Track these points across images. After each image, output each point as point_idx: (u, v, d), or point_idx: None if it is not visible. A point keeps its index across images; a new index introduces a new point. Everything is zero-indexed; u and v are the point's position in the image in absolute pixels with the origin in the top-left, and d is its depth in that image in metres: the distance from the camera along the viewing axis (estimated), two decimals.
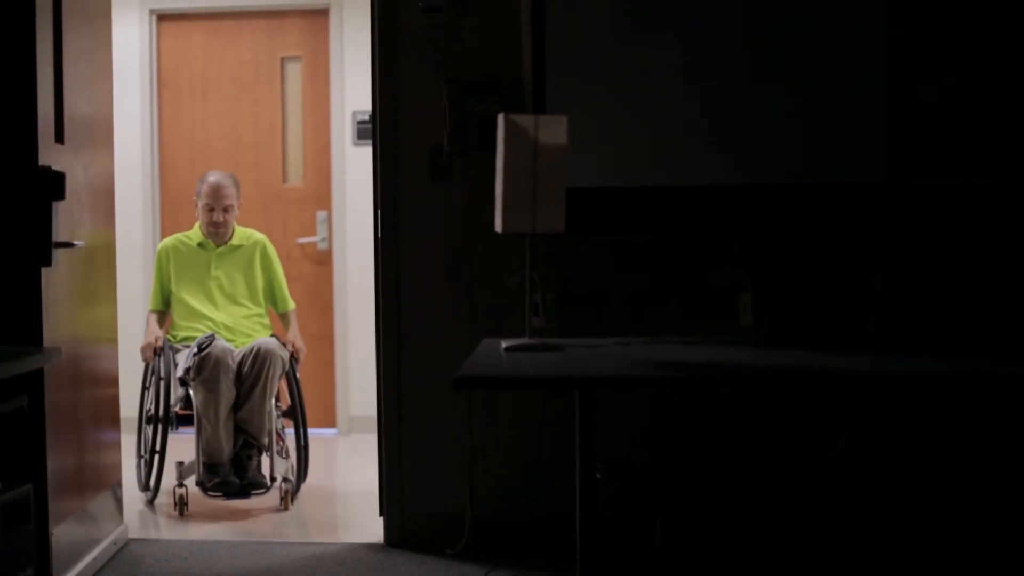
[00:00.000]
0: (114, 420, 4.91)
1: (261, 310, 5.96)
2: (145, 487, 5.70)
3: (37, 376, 3.93)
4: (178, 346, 5.77)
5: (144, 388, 5.81)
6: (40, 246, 4.03)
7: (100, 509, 4.63)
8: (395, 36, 4.84)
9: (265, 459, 5.65)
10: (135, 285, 7.21)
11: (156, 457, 5.61)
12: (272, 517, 5.39)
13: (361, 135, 7.27)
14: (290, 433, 5.84)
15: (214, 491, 5.47)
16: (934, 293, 4.60)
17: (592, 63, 4.58)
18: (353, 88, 7.31)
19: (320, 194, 7.48)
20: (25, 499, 3.47)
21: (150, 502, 5.63)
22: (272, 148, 7.47)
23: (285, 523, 5.35)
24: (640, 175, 4.56)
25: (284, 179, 7.50)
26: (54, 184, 4.08)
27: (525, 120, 3.78)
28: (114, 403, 4.92)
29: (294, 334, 5.96)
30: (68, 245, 4.22)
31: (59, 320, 4.21)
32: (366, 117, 7.10)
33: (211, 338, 5.58)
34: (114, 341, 4.96)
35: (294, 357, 5.84)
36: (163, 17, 7.48)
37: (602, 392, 3.24)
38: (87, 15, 4.57)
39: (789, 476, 4.50)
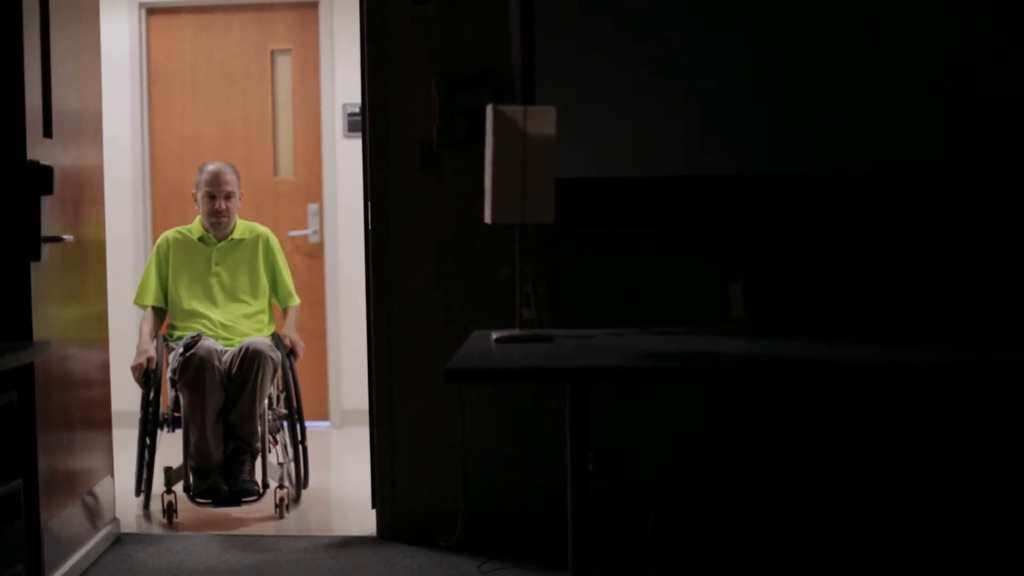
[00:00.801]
0: (105, 414, 4.91)
1: (264, 307, 5.76)
2: (137, 491, 5.50)
3: (27, 371, 3.92)
4: (173, 345, 5.54)
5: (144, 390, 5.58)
6: (29, 241, 4.02)
7: (92, 504, 4.62)
8: (385, 29, 4.84)
9: (259, 465, 5.40)
10: (125, 279, 7.20)
11: (145, 461, 5.43)
12: (265, 524, 5.20)
13: (352, 128, 7.27)
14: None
15: (202, 498, 5.23)
16: (927, 284, 4.60)
17: (581, 54, 4.58)
18: (343, 81, 7.30)
19: (311, 187, 7.47)
20: (16, 494, 3.47)
21: (144, 507, 5.43)
22: (263, 141, 7.46)
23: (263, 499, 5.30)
24: (630, 166, 4.56)
25: (275, 172, 7.50)
26: (42, 178, 4.07)
27: (514, 111, 3.78)
28: (105, 397, 4.91)
29: (291, 330, 5.77)
30: (57, 240, 4.21)
31: (49, 315, 4.20)
32: (357, 110, 7.09)
33: (197, 337, 5.38)
34: (105, 335, 4.96)
35: (292, 353, 5.66)
36: (152, 11, 7.47)
37: (593, 383, 3.23)
38: (75, 9, 4.56)
39: (782, 468, 4.51)
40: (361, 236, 5.26)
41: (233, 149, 7.33)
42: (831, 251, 4.49)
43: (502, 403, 4.81)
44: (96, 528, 4.67)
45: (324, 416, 7.41)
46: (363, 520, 5.13)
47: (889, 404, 4.69)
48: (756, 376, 4.43)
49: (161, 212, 7.46)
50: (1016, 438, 4.77)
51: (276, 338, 5.66)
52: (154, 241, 7.23)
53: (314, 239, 7.46)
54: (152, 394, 5.48)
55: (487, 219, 3.80)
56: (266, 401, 5.44)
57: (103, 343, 4.92)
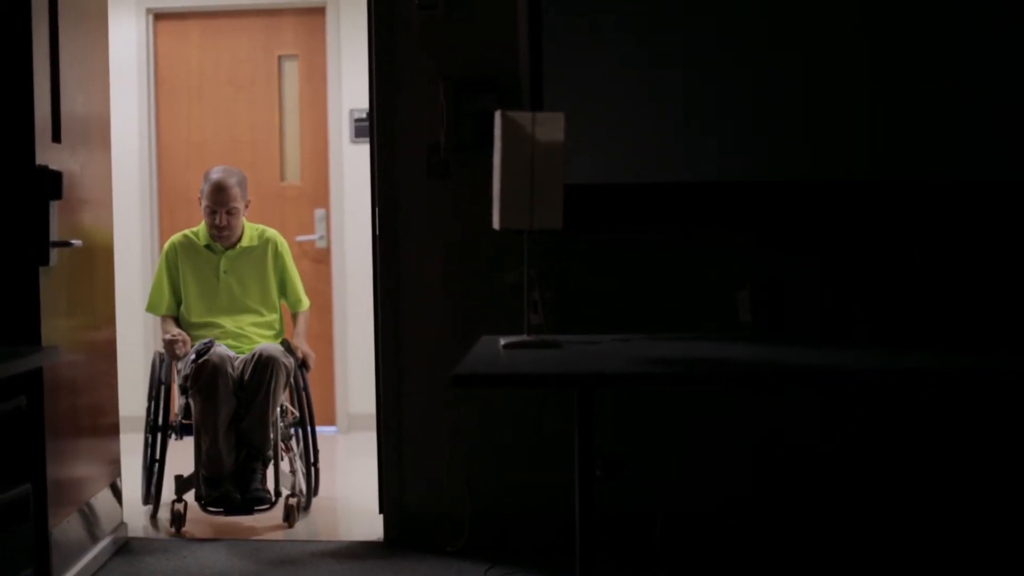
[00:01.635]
0: (112, 419, 4.91)
1: (275, 316, 5.65)
2: (146, 500, 5.44)
3: (36, 375, 3.93)
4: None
5: (150, 398, 5.53)
6: (37, 245, 4.03)
7: (99, 508, 4.63)
8: (392, 34, 4.84)
9: (271, 473, 5.31)
10: (133, 284, 7.21)
11: (155, 469, 5.37)
12: (274, 532, 5.15)
13: (359, 133, 7.27)
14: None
15: (214, 506, 5.15)
16: (929, 287, 4.59)
17: (589, 60, 4.58)
18: (350, 86, 7.31)
19: (318, 192, 7.48)
20: (24, 498, 3.47)
21: (152, 516, 5.36)
22: (270, 146, 7.47)
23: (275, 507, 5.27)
24: (637, 172, 4.56)
25: (282, 177, 7.50)
26: (51, 183, 4.08)
27: (522, 117, 3.78)
28: (112, 402, 4.92)
29: (301, 340, 5.66)
30: (66, 244, 4.22)
31: (57, 319, 4.21)
32: (363, 115, 7.10)
33: (210, 344, 5.29)
34: (113, 340, 4.96)
35: (304, 365, 5.58)
36: (160, 16, 7.48)
37: (601, 389, 3.23)
38: (83, 14, 4.57)
39: (788, 471, 4.51)
40: (368, 241, 5.27)
41: (240, 154, 7.34)
42: (837, 255, 4.49)
43: (509, 408, 4.81)
44: (103, 533, 4.67)
45: (331, 421, 7.41)
46: (370, 525, 5.13)
47: (895, 409, 4.69)
48: (762, 382, 4.44)
49: (168, 217, 7.47)
50: (1018, 440, 4.77)
51: (287, 345, 5.55)
52: (161, 245, 7.25)
53: (321, 244, 7.47)
54: (158, 401, 5.43)
55: (495, 225, 3.80)
56: (279, 409, 5.36)
57: (110, 348, 4.93)
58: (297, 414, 5.57)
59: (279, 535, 5.10)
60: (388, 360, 4.92)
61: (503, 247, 4.69)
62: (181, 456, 5.51)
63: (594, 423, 3.17)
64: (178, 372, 5.41)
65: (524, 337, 3.71)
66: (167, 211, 7.50)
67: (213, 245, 5.58)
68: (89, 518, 4.51)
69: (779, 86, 4.55)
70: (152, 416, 5.46)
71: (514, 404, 4.80)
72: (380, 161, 4.89)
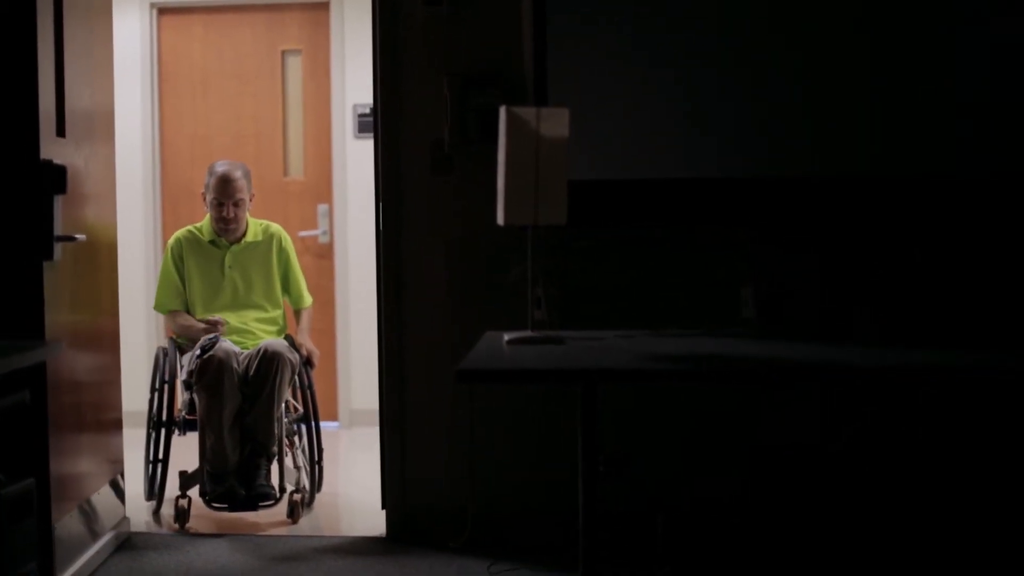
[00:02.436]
0: (115, 414, 4.91)
1: (279, 312, 5.64)
2: (149, 496, 5.43)
3: (39, 370, 3.93)
4: (186, 347, 5.48)
5: (152, 392, 5.50)
6: (41, 240, 4.03)
7: (102, 503, 4.63)
8: (396, 29, 4.84)
9: (275, 469, 5.32)
10: (136, 279, 7.21)
11: (159, 465, 5.36)
12: (277, 528, 5.14)
13: (362, 128, 7.27)
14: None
15: (218, 502, 5.14)
16: (930, 284, 4.59)
17: (594, 55, 4.58)
18: (354, 81, 7.31)
19: (321, 187, 7.48)
20: (28, 493, 3.47)
21: (155, 512, 5.34)
22: (273, 141, 7.47)
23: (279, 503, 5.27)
24: (642, 168, 4.56)
25: (285, 172, 7.50)
26: (55, 178, 4.08)
27: (527, 113, 3.78)
28: (115, 397, 4.92)
29: (305, 337, 5.65)
30: (70, 239, 4.22)
31: (61, 313, 4.21)
32: (367, 110, 7.09)
33: (215, 339, 5.27)
34: (116, 334, 4.96)
35: (308, 362, 5.56)
36: (163, 11, 7.48)
37: (605, 385, 3.23)
38: (88, 9, 4.57)
39: (791, 469, 4.51)
40: (371, 236, 5.26)
41: (243, 149, 7.33)
42: (839, 252, 4.48)
43: (512, 404, 4.81)
44: (106, 528, 4.68)
45: (333, 416, 7.42)
46: (373, 521, 5.13)
47: (899, 406, 4.69)
48: (766, 379, 4.43)
49: (171, 211, 7.47)
50: (1019, 438, 4.78)
51: (291, 341, 5.54)
52: (164, 240, 7.25)
53: (324, 239, 7.47)
54: (162, 397, 5.41)
55: (499, 220, 3.80)
56: (283, 404, 5.35)
57: (114, 342, 4.93)
58: (301, 410, 5.56)
59: (282, 531, 5.10)
60: (391, 356, 4.92)
61: (507, 243, 4.69)
62: (185, 452, 5.50)
63: (598, 419, 3.17)
64: (182, 367, 5.41)
65: (528, 333, 3.71)
66: (170, 206, 7.50)
67: (218, 240, 5.57)
68: (92, 513, 4.51)
69: (781, 83, 4.54)
70: (156, 411, 5.44)
71: (517, 400, 4.80)
72: (384, 156, 4.89)
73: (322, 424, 5.69)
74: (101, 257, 4.73)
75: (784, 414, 4.76)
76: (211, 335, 5.34)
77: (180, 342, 5.57)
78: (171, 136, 7.50)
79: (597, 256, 4.79)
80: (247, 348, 5.41)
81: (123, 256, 5.27)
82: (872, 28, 4.54)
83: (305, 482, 5.47)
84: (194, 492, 5.23)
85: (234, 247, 5.57)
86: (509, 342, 3.59)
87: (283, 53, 7.48)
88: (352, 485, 6.07)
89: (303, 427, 5.57)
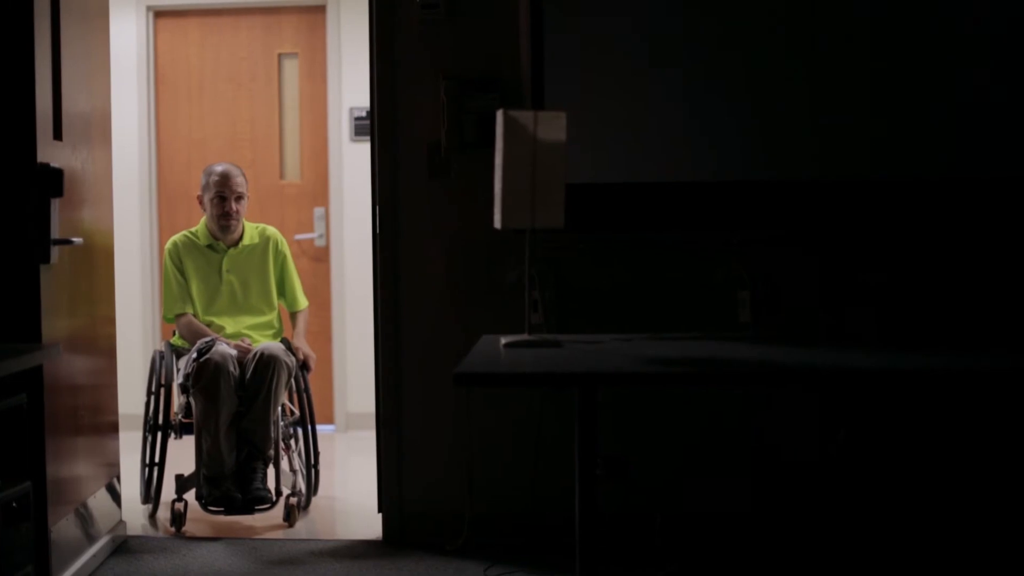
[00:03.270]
0: (112, 417, 4.91)
1: (274, 315, 5.64)
2: (145, 499, 5.43)
3: (36, 373, 3.93)
4: (182, 351, 5.47)
5: (149, 395, 5.51)
6: (38, 243, 4.03)
7: (98, 506, 4.63)
8: (393, 32, 4.84)
9: (271, 472, 5.30)
10: (133, 282, 7.21)
11: (155, 469, 5.36)
12: (274, 532, 5.13)
13: (359, 131, 7.27)
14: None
15: (215, 506, 5.12)
16: (930, 288, 4.59)
17: (591, 59, 4.58)
18: (350, 84, 7.31)
19: (318, 190, 7.48)
20: (24, 497, 3.47)
21: (151, 516, 5.34)
22: (269, 145, 7.47)
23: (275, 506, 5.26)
24: (640, 171, 4.56)
25: (282, 175, 7.50)
26: (52, 181, 4.08)
27: (524, 116, 3.78)
28: (112, 400, 4.91)
29: (301, 340, 5.65)
30: (66, 242, 4.22)
31: (58, 317, 4.21)
32: (364, 113, 7.10)
33: (212, 342, 5.28)
34: (113, 337, 4.96)
35: (305, 366, 5.56)
36: (160, 14, 7.48)
37: (602, 388, 3.23)
38: (85, 12, 4.57)
39: (788, 472, 4.51)
40: (367, 240, 5.26)
41: (240, 152, 7.33)
42: (838, 256, 4.49)
43: (509, 407, 4.81)
44: (102, 531, 4.67)
45: (329, 420, 7.41)
46: (369, 524, 5.13)
47: (896, 409, 4.69)
48: (763, 382, 4.44)
49: (167, 215, 7.47)
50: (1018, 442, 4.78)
51: (287, 344, 5.53)
52: (161, 244, 7.25)
53: (320, 243, 7.47)
54: (158, 400, 5.40)
55: (496, 224, 3.80)
56: (280, 408, 5.35)
57: (110, 345, 4.92)
58: (297, 413, 5.56)
59: (278, 534, 5.09)
60: (387, 359, 4.92)
61: (504, 246, 4.70)
62: (181, 455, 5.50)
63: (595, 422, 3.17)
64: (178, 371, 5.40)
65: (525, 336, 3.71)
66: (167, 209, 7.49)
67: (215, 244, 5.56)
68: (88, 517, 4.51)
69: (779, 86, 4.55)
70: (152, 415, 5.45)
71: (514, 403, 4.80)
72: (380, 160, 4.89)
73: (318, 427, 5.70)
74: (98, 260, 4.73)
75: (782, 417, 4.76)
76: (207, 338, 5.34)
77: (176, 345, 5.56)
78: (168, 139, 7.50)
79: (594, 259, 4.79)
80: None
81: (120, 259, 5.26)
82: (870, 30, 4.54)
83: (301, 486, 5.47)
84: (190, 496, 5.22)
85: (231, 251, 5.56)
86: (506, 345, 3.59)
87: (280, 56, 7.48)
88: (348, 488, 6.07)
89: (299, 430, 5.57)
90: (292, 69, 7.49)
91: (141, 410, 5.55)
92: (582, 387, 3.19)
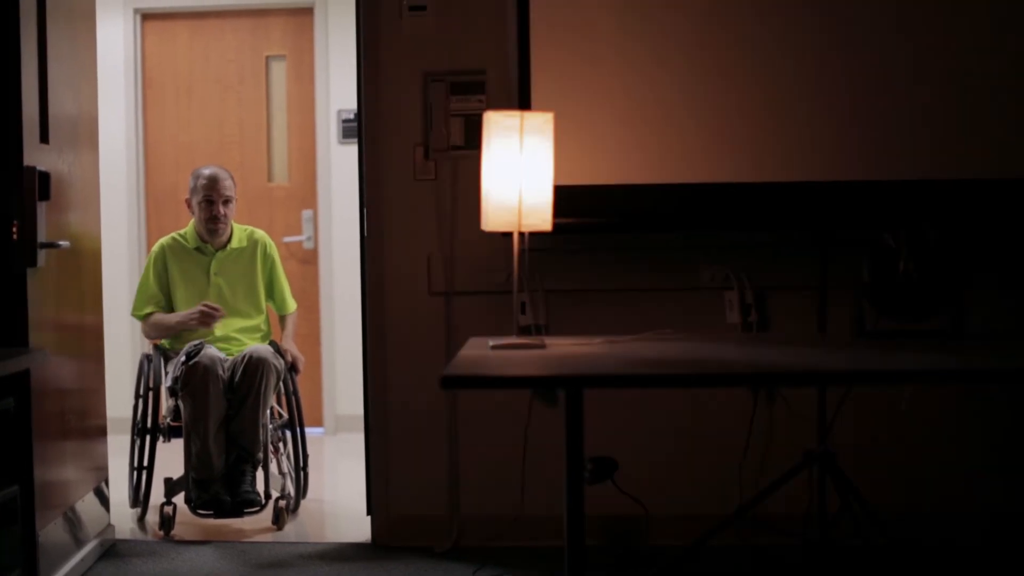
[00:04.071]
0: (99, 421, 4.90)
1: (262, 318, 5.63)
2: (134, 503, 5.43)
3: (23, 377, 3.92)
4: (171, 354, 5.45)
5: (137, 398, 5.50)
6: (25, 246, 4.02)
7: (86, 510, 4.62)
8: (379, 34, 4.84)
9: (261, 475, 5.28)
10: (120, 286, 7.20)
11: (144, 472, 5.35)
12: (263, 534, 5.12)
13: (346, 133, 7.27)
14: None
15: (204, 509, 5.11)
16: (918, 289, 4.60)
17: (578, 61, 4.58)
18: (338, 87, 7.31)
19: (306, 193, 7.47)
20: (12, 501, 3.47)
21: (140, 519, 5.33)
22: (257, 147, 7.47)
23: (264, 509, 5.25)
24: (627, 173, 4.57)
25: (269, 178, 7.50)
26: (39, 184, 4.07)
27: (511, 118, 3.78)
28: (99, 404, 4.90)
29: (290, 343, 5.66)
30: (53, 245, 4.21)
31: (45, 320, 4.20)
32: (351, 116, 7.10)
33: (200, 345, 5.26)
34: (100, 341, 4.95)
35: (293, 368, 5.56)
36: (147, 16, 7.47)
37: (589, 389, 3.24)
38: (71, 14, 4.56)
39: (776, 472, 4.51)
40: (355, 242, 5.26)
41: (228, 155, 7.33)
42: (826, 257, 4.49)
43: (497, 409, 4.82)
44: (91, 535, 4.66)
45: (318, 422, 7.41)
46: (358, 527, 5.12)
47: (882, 409, 4.71)
48: (750, 382, 4.44)
49: (155, 218, 7.46)
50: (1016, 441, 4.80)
51: (275, 346, 5.54)
52: (148, 247, 7.24)
53: (308, 245, 7.47)
54: (147, 404, 5.40)
55: (483, 226, 3.80)
56: (268, 410, 5.34)
57: (98, 349, 4.92)
58: (286, 416, 5.56)
59: (267, 537, 5.09)
60: (376, 361, 4.92)
61: (492, 248, 4.71)
62: (170, 458, 5.48)
63: (582, 423, 3.17)
64: (167, 374, 5.39)
65: (512, 338, 3.71)
66: (154, 212, 7.49)
67: (203, 247, 5.55)
68: (76, 521, 4.50)
69: (768, 88, 4.55)
70: (140, 418, 5.44)
71: (502, 405, 4.80)
72: (368, 162, 4.89)
73: (307, 430, 5.69)
74: (85, 263, 4.73)
75: (772, 416, 4.77)
76: (195, 342, 5.33)
77: (164, 347, 5.55)
78: (155, 142, 7.49)
79: (582, 260, 4.79)
80: (232, 355, 5.40)
81: (107, 262, 5.25)
82: (858, 30, 4.55)
83: (290, 488, 5.47)
84: (179, 499, 5.21)
85: (219, 254, 5.56)
86: (493, 347, 3.59)
87: (267, 59, 7.48)
88: (337, 491, 6.07)
89: (288, 433, 5.58)
90: (280, 71, 7.49)
91: (129, 414, 5.55)
92: (569, 388, 3.19)
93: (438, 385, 3.01)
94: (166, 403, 5.40)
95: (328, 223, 7.40)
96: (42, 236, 4.11)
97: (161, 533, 5.10)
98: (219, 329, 5.49)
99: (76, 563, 4.45)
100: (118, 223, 7.29)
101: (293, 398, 5.53)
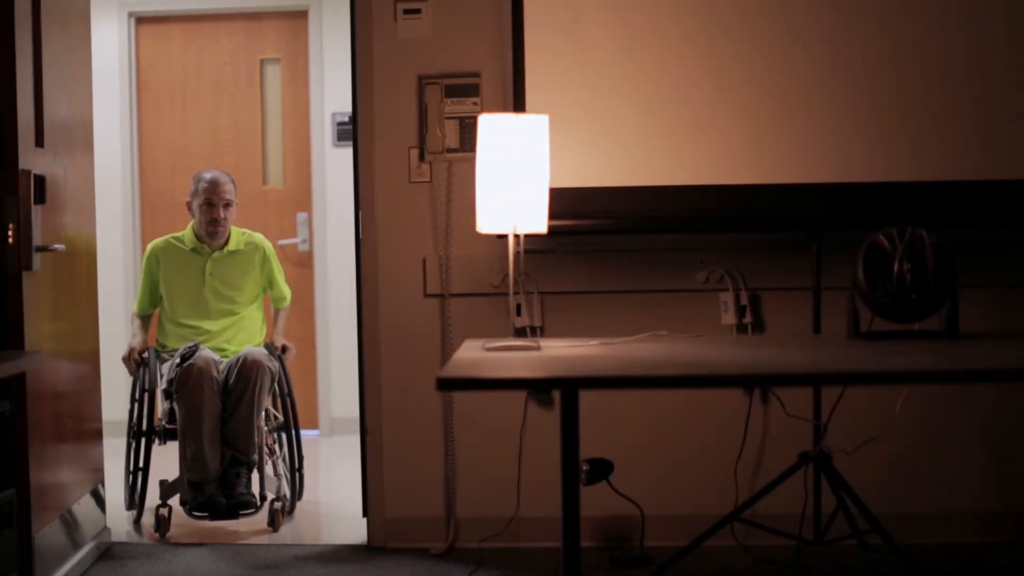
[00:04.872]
0: (95, 424, 4.90)
1: (258, 320, 5.66)
2: (130, 505, 5.43)
3: (19, 380, 3.92)
4: (165, 356, 5.47)
5: (132, 401, 5.50)
6: (21, 249, 4.02)
7: (82, 513, 4.62)
8: (374, 38, 4.85)
9: (256, 477, 5.28)
10: (115, 288, 7.20)
11: (139, 475, 5.36)
12: (258, 536, 5.11)
13: (341, 136, 7.28)
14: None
15: (199, 511, 5.12)
16: (916, 290, 4.61)
17: (572, 64, 4.58)
18: (332, 89, 7.31)
19: (301, 196, 7.48)
20: (8, 504, 3.47)
21: (136, 522, 5.33)
22: (252, 150, 7.47)
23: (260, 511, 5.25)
24: (621, 174, 4.57)
25: (264, 181, 7.50)
26: (35, 188, 4.08)
27: (505, 120, 3.79)
28: (95, 407, 4.90)
29: (279, 332, 5.71)
30: (49, 249, 4.21)
31: (40, 323, 4.20)
32: (346, 118, 7.10)
33: (195, 347, 5.27)
34: (96, 343, 4.95)
35: (284, 352, 5.56)
36: (142, 20, 7.47)
37: (585, 391, 3.24)
38: (66, 18, 4.56)
39: (772, 473, 4.52)
40: (350, 244, 5.27)
41: (222, 158, 7.33)
42: (820, 258, 4.50)
43: (493, 411, 4.82)
44: (87, 538, 4.66)
45: (314, 424, 7.42)
46: (353, 529, 5.13)
47: (879, 409, 4.72)
48: (745, 383, 4.45)
49: (150, 221, 7.46)
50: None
51: (270, 349, 5.55)
52: (143, 250, 7.24)
53: (303, 248, 7.47)
54: (142, 406, 5.38)
55: (478, 228, 3.81)
56: (263, 412, 5.33)
57: (94, 352, 4.92)
58: (281, 418, 5.55)
59: (263, 539, 5.09)
60: (371, 363, 4.92)
61: (487, 251, 4.71)
62: (165, 461, 5.48)
63: (578, 425, 3.18)
64: (162, 376, 5.38)
65: (508, 340, 3.72)
66: (149, 215, 7.49)
67: (200, 248, 5.57)
68: (72, 523, 4.50)
69: (762, 90, 4.56)
70: (136, 421, 5.43)
71: (498, 407, 4.80)
72: (363, 164, 4.89)
73: (303, 432, 5.69)
74: (80, 267, 4.73)
75: (768, 417, 4.78)
76: (190, 343, 5.33)
77: (159, 350, 5.56)
78: (150, 145, 7.49)
79: (577, 262, 4.80)
80: (227, 356, 5.41)
81: (102, 266, 5.25)
82: (849, 35, 4.56)
83: (286, 490, 5.46)
84: (175, 501, 5.21)
85: (215, 255, 5.56)
86: (489, 349, 3.59)
87: (262, 62, 7.48)
88: (333, 493, 6.07)
89: (283, 435, 5.58)
90: (274, 74, 7.50)
91: (125, 416, 5.54)
92: (564, 390, 3.20)
93: (434, 387, 3.02)
94: (161, 405, 5.40)
95: (323, 226, 7.41)
96: (38, 239, 4.11)
97: (157, 535, 5.09)
98: (215, 327, 5.52)
99: (72, 566, 4.45)
100: (113, 226, 7.29)
101: (288, 400, 5.53)
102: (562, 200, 4.37)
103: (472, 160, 3.85)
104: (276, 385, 5.44)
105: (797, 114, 4.55)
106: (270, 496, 5.29)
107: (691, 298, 4.78)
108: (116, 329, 6.97)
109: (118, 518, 5.29)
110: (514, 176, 3.74)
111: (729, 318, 4.76)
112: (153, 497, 5.29)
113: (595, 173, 4.55)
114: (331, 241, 7.38)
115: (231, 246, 5.60)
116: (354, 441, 5.30)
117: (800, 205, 4.55)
